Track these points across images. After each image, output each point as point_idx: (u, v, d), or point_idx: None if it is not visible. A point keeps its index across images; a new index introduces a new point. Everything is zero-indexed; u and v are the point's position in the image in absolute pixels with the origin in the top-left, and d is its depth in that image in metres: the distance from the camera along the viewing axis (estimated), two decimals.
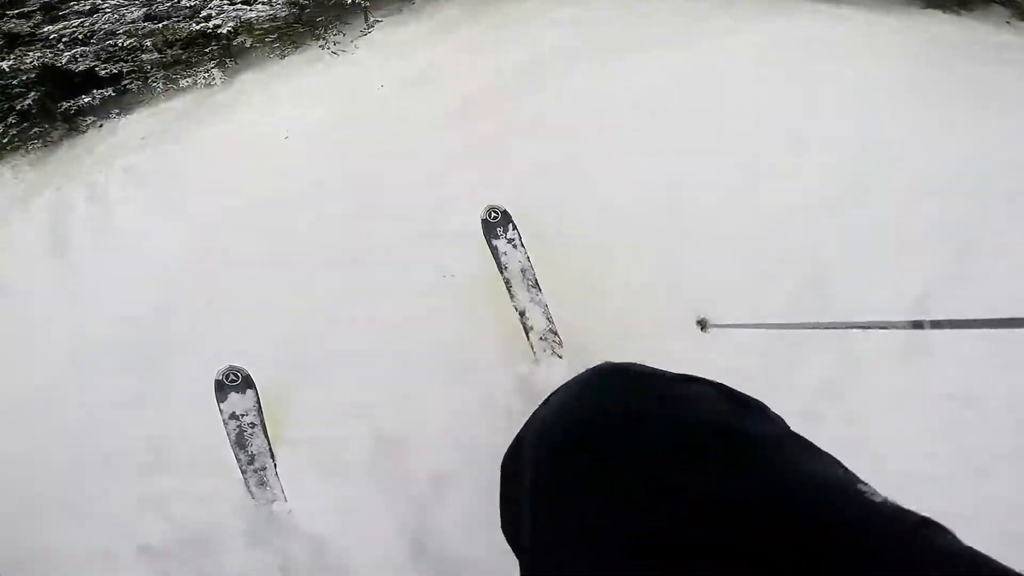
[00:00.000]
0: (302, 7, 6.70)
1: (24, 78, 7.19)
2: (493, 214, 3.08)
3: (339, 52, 6.45)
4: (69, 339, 4.33)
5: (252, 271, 4.11)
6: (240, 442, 2.74)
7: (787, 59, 4.79)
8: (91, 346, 4.16)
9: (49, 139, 7.60)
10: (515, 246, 3.09)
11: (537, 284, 3.08)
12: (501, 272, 3.08)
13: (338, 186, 4.57)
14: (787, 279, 3.11)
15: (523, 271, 3.07)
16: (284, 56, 6.82)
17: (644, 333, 2.95)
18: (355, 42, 6.50)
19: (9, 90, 7.32)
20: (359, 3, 6.54)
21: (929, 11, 5.96)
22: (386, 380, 3.02)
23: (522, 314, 3.03)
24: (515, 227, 3.13)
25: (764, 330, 2.85)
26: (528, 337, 3.04)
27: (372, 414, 2.90)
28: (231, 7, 6.40)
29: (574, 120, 4.50)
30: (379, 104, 5.34)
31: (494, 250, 3.09)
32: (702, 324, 2.99)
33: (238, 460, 2.76)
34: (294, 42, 6.92)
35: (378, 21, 6.83)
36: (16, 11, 7.03)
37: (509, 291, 3.07)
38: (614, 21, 5.85)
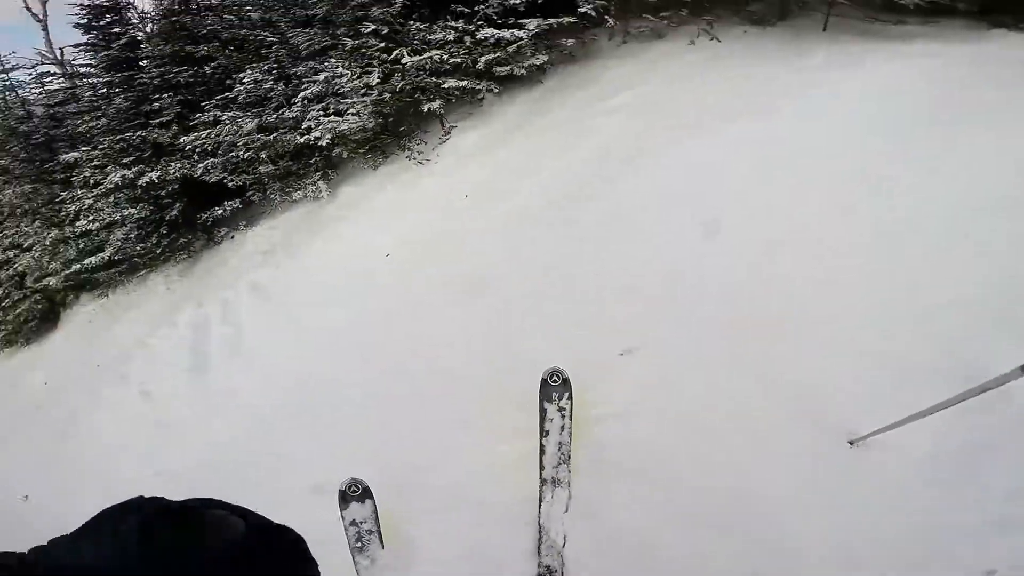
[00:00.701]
0: (386, 116, 7.52)
1: (170, 189, 8.53)
2: (555, 377, 3.07)
3: (423, 161, 7.17)
4: (204, 445, 4.99)
5: (355, 386, 4.47)
6: (359, 546, 3.07)
7: (886, 118, 4.30)
8: (222, 448, 4.80)
9: (192, 249, 9.02)
10: (564, 416, 3.07)
11: (568, 460, 3.02)
12: (541, 435, 3.07)
13: (433, 304, 4.92)
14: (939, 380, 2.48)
15: (560, 444, 3.05)
16: (376, 167, 7.63)
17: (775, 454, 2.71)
18: (436, 150, 7.23)
19: (159, 200, 8.69)
20: (435, 111, 7.27)
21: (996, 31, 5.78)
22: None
23: (541, 488, 3.03)
24: (570, 396, 3.07)
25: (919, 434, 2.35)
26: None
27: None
28: (326, 119, 7.37)
29: (651, 219, 4.41)
30: (466, 214, 5.79)
31: (542, 412, 3.08)
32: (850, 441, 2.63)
33: (356, 563, 3.05)
34: (383, 152, 7.71)
35: (453, 127, 7.52)
36: (157, 120, 8.37)
37: (541, 459, 3.05)
38: (667, 101, 5.99)
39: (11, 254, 11.50)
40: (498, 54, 7.08)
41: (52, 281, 11.11)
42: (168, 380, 6.21)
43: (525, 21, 7.09)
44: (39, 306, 12.05)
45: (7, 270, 11.91)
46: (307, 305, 6.07)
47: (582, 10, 7.01)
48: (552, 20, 7.10)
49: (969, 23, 6.17)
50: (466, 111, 7.68)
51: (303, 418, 4.50)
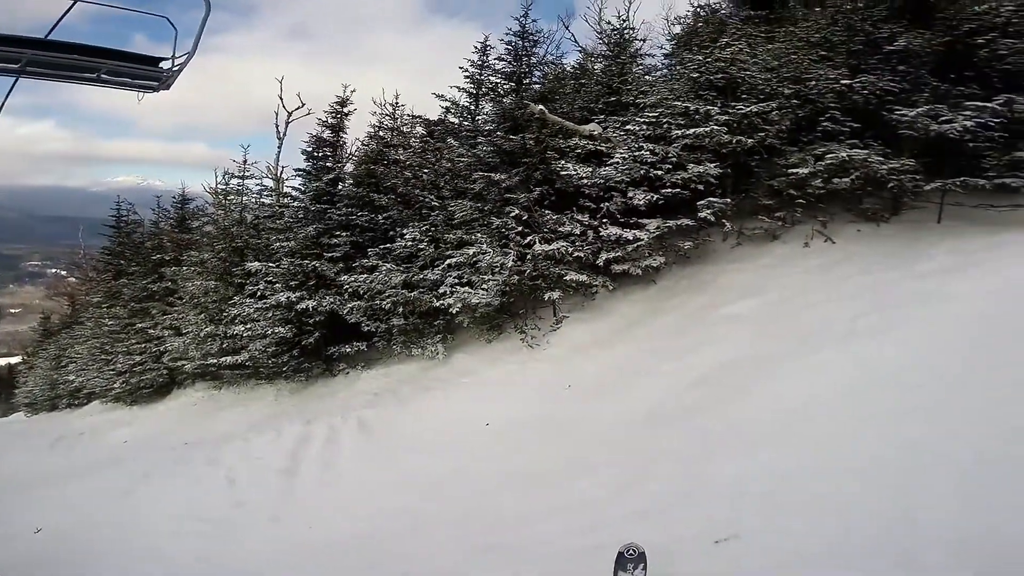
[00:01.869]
0: (508, 296, 8.31)
1: (317, 319, 9.59)
2: (631, 552, 3.22)
3: (534, 345, 7.75)
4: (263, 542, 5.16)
5: (427, 535, 4.55)
6: None
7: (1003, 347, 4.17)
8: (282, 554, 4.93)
9: (310, 375, 10.10)
10: None
11: None
12: None
13: (526, 479, 5.04)
14: None
15: None
16: (490, 341, 8.40)
17: None
18: (547, 336, 7.77)
19: (304, 326, 9.73)
20: (551, 298, 7.98)
21: None
22: None
23: None
24: (645, 569, 3.12)
25: None
26: None
27: None
28: (461, 288, 8.21)
29: (755, 439, 4.30)
30: (567, 403, 6.08)
31: None
32: None
33: None
34: (499, 328, 8.53)
35: (565, 316, 8.12)
36: (329, 255, 9.51)
37: None
38: (785, 315, 6.02)
39: (166, 333, 13.77)
40: (618, 252, 7.83)
41: (187, 366, 13.00)
42: (258, 475, 6.59)
43: (646, 221, 7.85)
44: (161, 379, 13.95)
45: (156, 345, 14.25)
46: (403, 450, 6.42)
47: (702, 215, 7.63)
48: (672, 222, 7.78)
49: None
50: (579, 302, 8.32)
51: (368, 547, 4.60)
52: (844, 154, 7.08)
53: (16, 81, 4.12)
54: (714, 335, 6.32)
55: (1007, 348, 4.13)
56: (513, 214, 8.36)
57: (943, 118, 6.56)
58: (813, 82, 7.84)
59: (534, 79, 9.88)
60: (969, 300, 4.91)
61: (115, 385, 14.61)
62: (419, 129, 11.48)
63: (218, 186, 14.74)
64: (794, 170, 7.46)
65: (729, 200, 7.86)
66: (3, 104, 4.40)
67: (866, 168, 6.97)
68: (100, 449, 10.99)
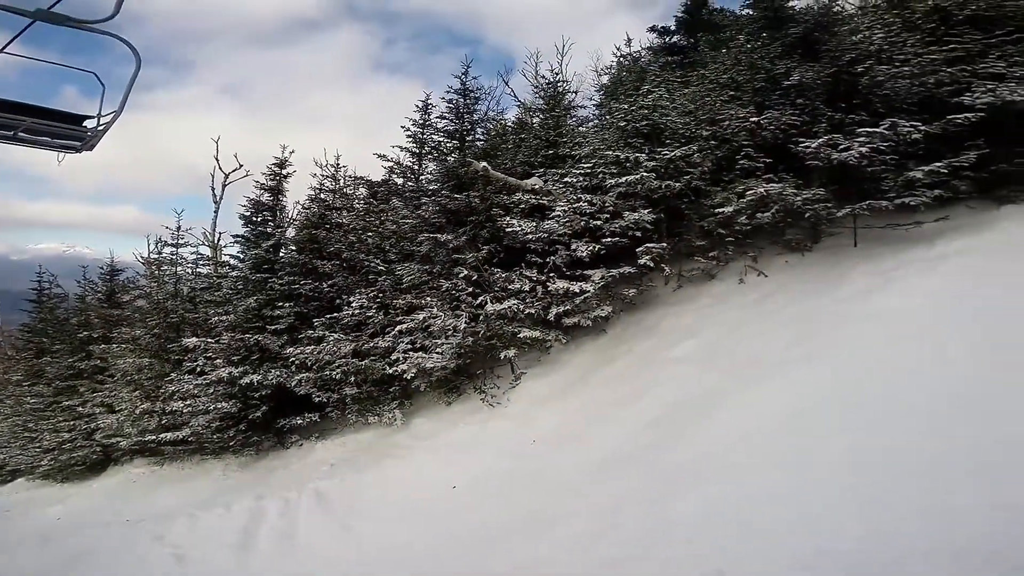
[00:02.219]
0: (464, 358, 8.27)
1: (263, 393, 9.24)
2: None
3: (494, 404, 7.72)
4: None
5: None
6: None
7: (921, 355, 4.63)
8: None
9: (260, 448, 9.61)
10: None
11: None
12: None
13: (494, 538, 5.01)
14: None
15: None
16: (449, 404, 8.31)
17: None
18: (507, 394, 7.80)
19: (249, 401, 9.35)
20: (507, 357, 8.00)
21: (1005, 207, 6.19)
22: None
23: None
24: None
25: None
26: None
27: None
28: (415, 353, 8.14)
29: (715, 472, 4.44)
30: (532, 458, 6.12)
31: None
32: None
33: None
34: (457, 390, 8.44)
35: (523, 372, 8.20)
36: (272, 327, 9.20)
37: None
38: (725, 352, 6.31)
39: (98, 411, 12.80)
40: (567, 306, 8.01)
41: (123, 443, 12.09)
42: (209, 551, 6.32)
43: (590, 272, 8.08)
44: (94, 456, 12.97)
45: (87, 423, 13.20)
46: (365, 520, 6.25)
47: (641, 261, 7.95)
48: (615, 271, 8.04)
49: (976, 206, 6.57)
50: (535, 358, 8.45)
51: None
52: (762, 189, 7.50)
53: None
54: (662, 377, 6.59)
55: (931, 359, 4.54)
56: (462, 275, 8.44)
57: (841, 146, 7.02)
58: (726, 122, 8.37)
59: (477, 136, 10.13)
60: (889, 316, 5.39)
61: (42, 462, 13.61)
62: (362, 190, 11.49)
63: (150, 256, 14.03)
64: (720, 209, 7.92)
65: (665, 244, 8.25)
66: None
67: (783, 201, 7.42)
68: (30, 526, 10.19)
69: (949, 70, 7.07)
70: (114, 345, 12.43)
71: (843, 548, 3.23)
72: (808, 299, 6.67)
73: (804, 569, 3.19)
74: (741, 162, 8.13)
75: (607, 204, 8.39)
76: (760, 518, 3.72)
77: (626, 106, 8.90)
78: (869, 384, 4.63)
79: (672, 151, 8.25)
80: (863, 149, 6.86)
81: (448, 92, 9.66)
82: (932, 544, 3.04)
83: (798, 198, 7.40)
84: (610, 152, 8.63)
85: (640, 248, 8.05)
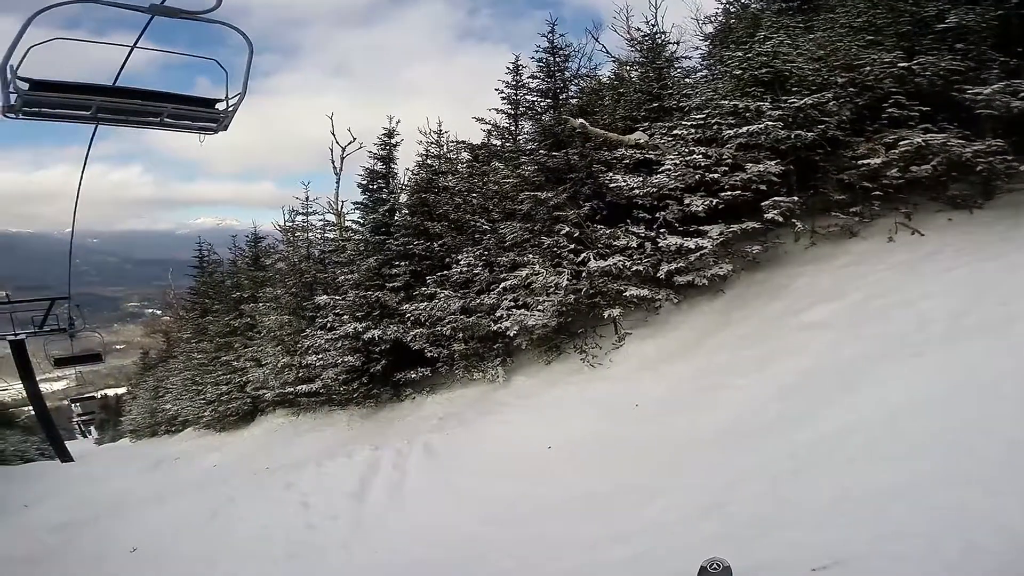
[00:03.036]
0: (566, 315, 8.16)
1: (383, 347, 9.89)
2: (715, 566, 2.98)
3: (596, 364, 7.51)
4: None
5: (505, 567, 4.38)
6: None
7: None
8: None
9: (380, 400, 10.38)
10: None
11: None
12: None
13: (593, 502, 4.86)
14: None
15: None
16: (549, 363, 8.29)
17: None
18: (609, 355, 7.52)
19: (371, 354, 10.06)
20: (611, 316, 7.73)
21: None
22: None
23: None
24: None
25: None
26: None
27: None
28: (517, 311, 8.17)
29: (853, 452, 3.93)
30: (635, 423, 5.86)
31: None
32: None
33: None
34: (559, 350, 8.38)
35: (628, 333, 7.81)
36: (391, 285, 9.91)
37: None
38: (872, 317, 5.48)
39: (248, 365, 14.83)
40: (679, 263, 7.44)
41: (268, 394, 13.91)
42: (329, 498, 6.80)
43: (707, 228, 7.44)
44: (245, 407, 14.91)
45: (240, 376, 15.38)
46: (468, 473, 6.41)
47: (768, 216, 7.17)
48: (736, 226, 7.37)
49: None
50: (641, 317, 8.02)
51: (440, 570, 4.61)
52: (919, 139, 6.52)
53: (95, 129, 4.52)
54: (793, 344, 5.91)
55: None
56: (564, 232, 8.23)
57: (1023, 93, 5.97)
58: (867, 68, 7.25)
59: (571, 94, 9.81)
60: None
61: (205, 413, 15.90)
62: (464, 154, 11.70)
63: (286, 223, 15.71)
64: (865, 161, 6.90)
65: (796, 198, 7.35)
66: (89, 150, 4.86)
67: (947, 153, 6.39)
68: (192, 473, 11.87)
69: None
70: (260, 304, 14.10)
71: (998, 547, 2.65)
72: (982, 262, 5.57)
73: (945, 569, 2.65)
74: (890, 110, 7.05)
75: (724, 156, 7.65)
76: (902, 507, 3.17)
77: (741, 53, 8.00)
78: None
79: (801, 99, 7.29)
80: None
81: (537, 51, 9.40)
82: None
83: (967, 150, 6.32)
84: (726, 101, 7.82)
85: (766, 202, 7.25)
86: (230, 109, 4.19)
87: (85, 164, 4.81)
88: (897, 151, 6.67)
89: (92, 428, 36.40)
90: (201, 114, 4.27)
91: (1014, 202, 6.39)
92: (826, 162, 7.57)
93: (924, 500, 3.14)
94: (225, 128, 4.45)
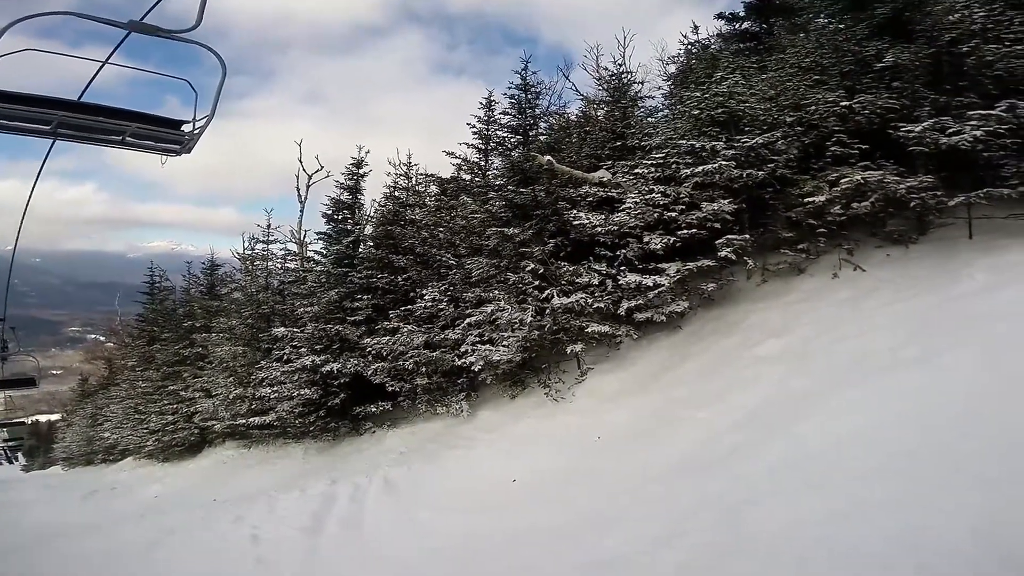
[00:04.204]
0: (530, 351, 8.18)
1: (342, 381, 9.69)
2: None
3: (559, 399, 7.55)
4: None
5: None
6: None
7: None
8: None
9: (337, 434, 10.03)
10: None
11: None
12: None
13: (556, 535, 4.77)
14: None
15: None
16: (514, 397, 8.25)
17: None
18: (572, 389, 7.57)
19: (329, 388, 9.83)
20: (574, 351, 7.80)
21: None
22: None
23: None
24: None
25: None
26: None
27: None
28: (482, 346, 8.15)
29: (803, 480, 3.99)
30: (597, 455, 5.84)
31: None
32: None
33: None
34: (522, 383, 8.38)
35: (590, 368, 7.91)
36: (352, 318, 9.67)
37: None
38: (818, 352, 5.69)
39: (197, 395, 14.10)
40: (639, 300, 7.63)
41: (217, 426, 13.21)
42: (282, 532, 6.50)
43: (665, 266, 7.67)
44: (192, 438, 14.22)
45: (187, 406, 14.56)
46: (429, 507, 6.22)
47: (722, 254, 7.45)
48: (692, 264, 7.60)
49: None
50: (603, 353, 8.14)
51: None
52: (858, 176, 6.92)
53: (52, 144, 4.29)
54: (746, 377, 6.08)
55: None
56: (529, 268, 8.31)
57: (951, 130, 6.40)
58: (813, 107, 7.75)
59: (540, 131, 10.05)
60: (1020, 317, 4.62)
61: (148, 443, 15.05)
62: (433, 188, 11.77)
63: (245, 251, 15.24)
64: (810, 198, 7.29)
65: (748, 236, 7.69)
66: (43, 165, 4.59)
67: (883, 189, 6.80)
68: (130, 503, 11.15)
69: None
70: (213, 334, 13.52)
71: (950, 569, 2.75)
72: (918, 296, 5.92)
73: None
74: (832, 149, 7.48)
75: (682, 195, 7.97)
76: (853, 534, 3.24)
77: (699, 94, 8.41)
78: (994, 390, 3.94)
79: (753, 138, 7.68)
80: (977, 133, 6.20)
81: (510, 87, 9.65)
82: None
83: (901, 186, 6.72)
84: (684, 141, 8.18)
85: (720, 240, 7.55)
86: (196, 131, 4.07)
87: (37, 180, 4.52)
88: (839, 188, 7.06)
89: (19, 455, 33.87)
90: (166, 135, 4.13)
91: (945, 236, 6.84)
92: (775, 200, 7.97)
93: (875, 525, 3.24)
94: (189, 151, 4.33)
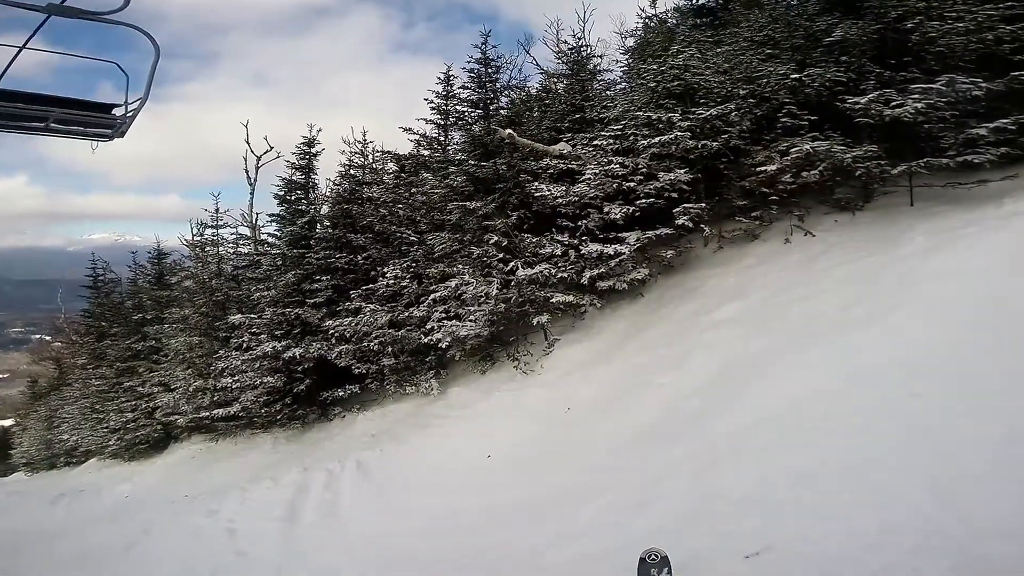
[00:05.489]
0: (497, 324, 8.11)
1: (306, 366, 9.38)
2: (652, 557, 3.12)
3: (528, 371, 7.53)
4: None
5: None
6: None
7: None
8: None
9: (306, 421, 9.77)
10: None
11: None
12: None
13: (532, 509, 4.84)
14: None
15: None
16: (484, 372, 8.19)
17: None
18: (540, 361, 7.58)
19: (293, 374, 9.52)
20: (540, 323, 7.79)
21: None
22: None
23: None
24: (669, 572, 3.07)
25: None
26: None
27: None
28: (449, 322, 8.02)
29: (766, 441, 4.07)
30: (568, 426, 5.90)
31: None
32: None
33: None
34: (491, 358, 8.31)
35: (557, 339, 7.93)
36: (312, 301, 9.34)
37: None
38: (772, 315, 5.88)
39: (156, 390, 13.39)
40: (601, 269, 7.67)
41: (180, 420, 12.62)
42: (258, 524, 6.41)
43: (625, 235, 7.73)
44: (156, 434, 13.58)
45: (147, 402, 13.84)
46: (406, 489, 6.19)
47: (679, 222, 7.58)
48: (651, 232, 7.70)
49: None
50: (569, 324, 8.16)
51: None
52: (807, 147, 7.08)
53: None
54: (707, 341, 6.19)
55: (1009, 320, 4.02)
56: (492, 241, 8.19)
57: (894, 103, 6.59)
58: (765, 80, 7.84)
59: (500, 104, 9.80)
60: (958, 276, 4.83)
61: (110, 442, 14.32)
62: (391, 165, 11.31)
63: (194, 237, 14.38)
64: (762, 168, 7.45)
65: (704, 205, 7.79)
66: None
67: (831, 158, 6.98)
68: (101, 505, 10.74)
69: (1008, 28, 6.44)
70: (166, 325, 12.81)
71: (912, 524, 2.84)
72: (863, 259, 6.13)
73: (867, 548, 2.81)
74: (783, 120, 7.62)
75: (640, 166, 7.95)
76: (817, 491, 3.35)
77: (656, 67, 8.34)
78: (938, 347, 4.12)
79: (708, 110, 7.72)
80: (918, 105, 6.42)
81: (469, 62, 9.35)
82: (1017, 520, 2.62)
83: (848, 155, 6.91)
84: (641, 113, 8.14)
85: (677, 209, 7.62)
86: (129, 115, 3.79)
87: None
88: (790, 158, 7.23)
89: None
90: (95, 119, 3.85)
91: (889, 203, 7.12)
92: (729, 170, 8.09)
93: (838, 483, 3.33)
94: (122, 135, 4.02)
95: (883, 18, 7.22)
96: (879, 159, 6.87)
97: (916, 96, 6.45)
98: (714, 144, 7.75)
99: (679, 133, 7.68)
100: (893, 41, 7.22)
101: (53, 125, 3.70)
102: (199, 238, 14.01)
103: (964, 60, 6.70)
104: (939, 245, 5.52)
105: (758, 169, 7.52)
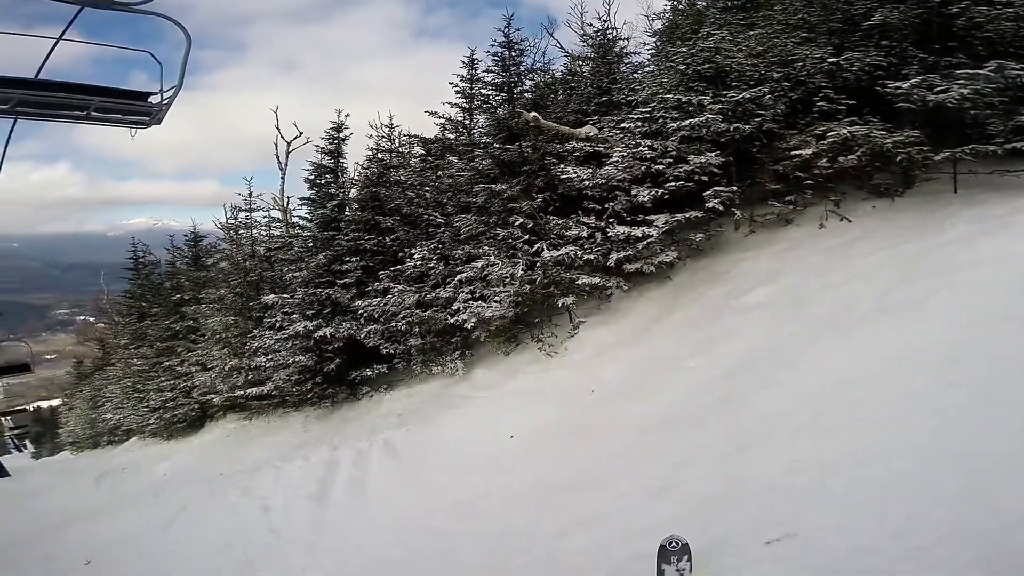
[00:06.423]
0: (522, 306, 8.13)
1: (336, 345, 9.47)
2: (673, 544, 3.15)
3: (552, 353, 7.53)
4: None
5: (465, 550, 4.46)
6: None
7: None
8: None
9: (335, 400, 10.01)
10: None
11: None
12: None
13: (556, 490, 4.88)
14: None
15: None
16: (508, 354, 8.24)
17: None
18: (565, 343, 7.55)
19: (324, 353, 9.62)
20: (565, 304, 7.76)
21: None
22: None
23: None
24: (690, 559, 3.08)
25: None
26: None
27: None
28: (474, 303, 8.05)
29: (795, 428, 3.98)
30: (591, 409, 5.89)
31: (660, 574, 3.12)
32: None
33: None
34: (515, 339, 8.35)
35: (582, 321, 7.89)
36: (342, 281, 9.43)
37: None
38: (806, 299, 5.73)
39: (193, 369, 13.88)
40: (628, 252, 7.59)
41: (216, 399, 13.07)
42: (290, 501, 6.60)
43: (653, 218, 7.60)
44: (193, 413, 14.09)
45: (185, 381, 14.36)
46: (431, 468, 6.30)
47: (710, 205, 7.41)
48: (680, 215, 7.56)
49: None
50: (594, 305, 8.10)
51: (408, 568, 4.52)
52: (845, 131, 6.85)
53: (14, 123, 4.14)
54: (736, 325, 6.07)
55: None
56: (518, 223, 8.18)
57: (938, 88, 6.33)
58: (800, 63, 7.58)
59: (525, 87, 9.72)
60: (1002, 264, 4.61)
61: (150, 421, 14.90)
62: (417, 148, 11.35)
63: (228, 221, 14.71)
64: (797, 152, 7.23)
65: (735, 188, 7.61)
66: (6, 147, 4.40)
67: (870, 143, 6.74)
68: (141, 483, 11.22)
69: None
70: (203, 305, 13.18)
71: (939, 515, 2.76)
72: (902, 245, 5.91)
73: (891, 536, 2.74)
74: (820, 104, 7.38)
75: (669, 148, 7.79)
76: (844, 479, 3.27)
77: (685, 49, 8.15)
78: (977, 336, 3.95)
79: (740, 93, 7.51)
80: (964, 91, 6.18)
81: (492, 45, 9.30)
82: None
83: (888, 141, 6.67)
84: (671, 96, 7.95)
85: (708, 192, 7.45)
86: (164, 102, 3.93)
87: (1, 162, 4.34)
88: (826, 142, 6.99)
89: (27, 442, 33.67)
90: (132, 107, 4.00)
91: (930, 190, 6.82)
92: (762, 154, 7.86)
93: (865, 471, 3.25)
94: (159, 122, 4.16)
95: (926, 2, 6.93)
96: (921, 145, 6.62)
97: (962, 82, 6.21)
98: (746, 127, 7.55)
99: (710, 116, 7.51)
100: (937, 26, 6.93)
101: (94, 114, 3.87)
102: (233, 221, 14.33)
103: (1016, 46, 6.42)
104: (983, 232, 5.30)
105: (793, 153, 7.30)
